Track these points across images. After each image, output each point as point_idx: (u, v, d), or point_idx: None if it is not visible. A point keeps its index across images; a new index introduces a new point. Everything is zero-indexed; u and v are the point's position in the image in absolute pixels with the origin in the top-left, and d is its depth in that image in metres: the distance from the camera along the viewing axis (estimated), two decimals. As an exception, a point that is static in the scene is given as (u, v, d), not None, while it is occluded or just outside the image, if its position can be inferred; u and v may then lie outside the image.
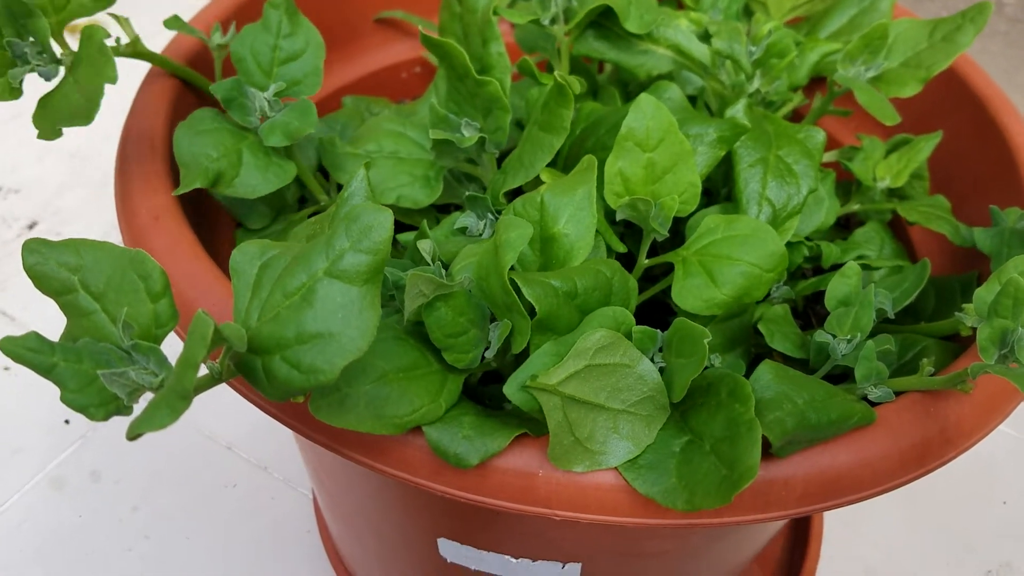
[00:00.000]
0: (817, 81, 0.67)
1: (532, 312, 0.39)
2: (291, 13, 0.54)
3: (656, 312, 0.57)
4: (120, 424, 0.83)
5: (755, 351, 0.54)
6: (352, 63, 0.74)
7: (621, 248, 0.47)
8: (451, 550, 0.55)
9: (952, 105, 0.65)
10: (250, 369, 0.33)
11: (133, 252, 0.35)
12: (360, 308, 0.32)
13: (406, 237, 0.52)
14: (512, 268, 0.44)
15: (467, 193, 0.49)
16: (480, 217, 0.49)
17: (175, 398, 0.29)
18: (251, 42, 0.53)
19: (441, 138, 0.50)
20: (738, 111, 0.50)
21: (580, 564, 0.53)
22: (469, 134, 0.51)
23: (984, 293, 0.42)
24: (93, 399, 0.33)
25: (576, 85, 0.47)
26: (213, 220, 0.58)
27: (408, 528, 0.57)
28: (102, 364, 0.33)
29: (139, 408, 0.33)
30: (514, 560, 0.53)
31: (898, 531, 0.84)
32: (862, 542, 0.84)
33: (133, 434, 0.30)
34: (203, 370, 0.35)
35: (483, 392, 0.47)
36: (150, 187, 0.50)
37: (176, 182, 0.51)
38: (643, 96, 0.45)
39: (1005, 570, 0.83)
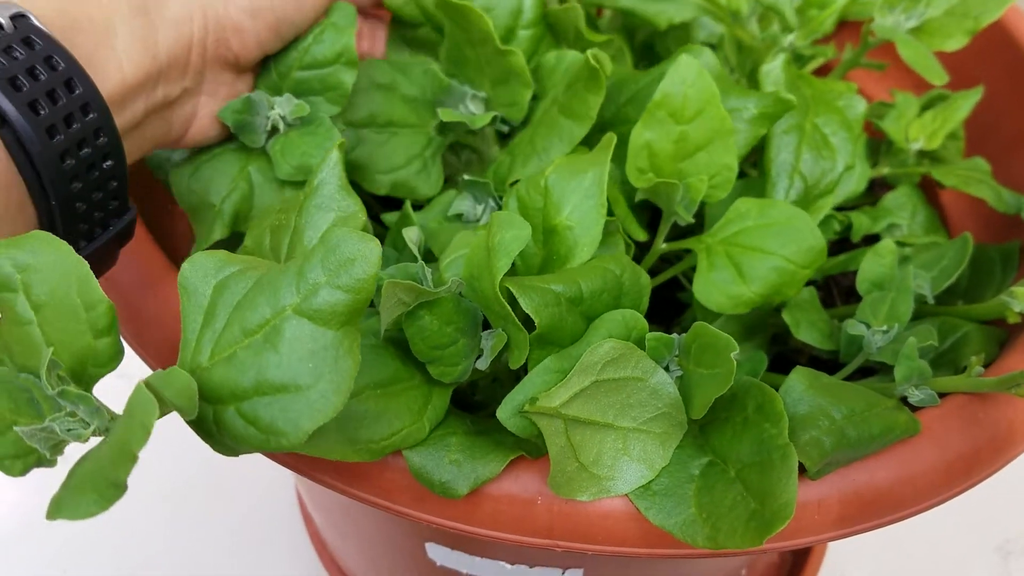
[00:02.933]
0: (844, 25, 0.60)
1: (530, 322, 0.34)
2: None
3: (666, 291, 0.51)
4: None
5: (773, 331, 0.49)
6: None
7: (643, 237, 0.41)
8: (440, 554, 0.50)
9: (989, 55, 0.58)
10: (200, 418, 0.28)
11: (82, 270, 0.28)
12: (336, 356, 0.26)
13: (391, 217, 0.46)
14: (512, 266, 0.38)
15: (464, 178, 0.42)
16: (479, 201, 0.43)
17: (106, 486, 0.23)
18: None
19: (451, 120, 0.43)
20: (775, 69, 0.43)
21: (582, 570, 0.49)
22: (476, 109, 0.44)
23: (1047, 285, 0.37)
24: (8, 449, 0.27)
25: (608, 64, 0.40)
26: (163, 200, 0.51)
27: (392, 530, 0.52)
28: (21, 409, 0.27)
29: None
30: (509, 566, 0.49)
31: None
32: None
33: (52, 517, 0.24)
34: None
35: (475, 399, 0.42)
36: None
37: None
38: (684, 58, 0.39)
39: (1019, 540, 0.79)
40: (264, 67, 0.43)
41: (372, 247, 0.26)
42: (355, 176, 0.45)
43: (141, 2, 0.37)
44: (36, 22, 0.33)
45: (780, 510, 0.31)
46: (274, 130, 0.42)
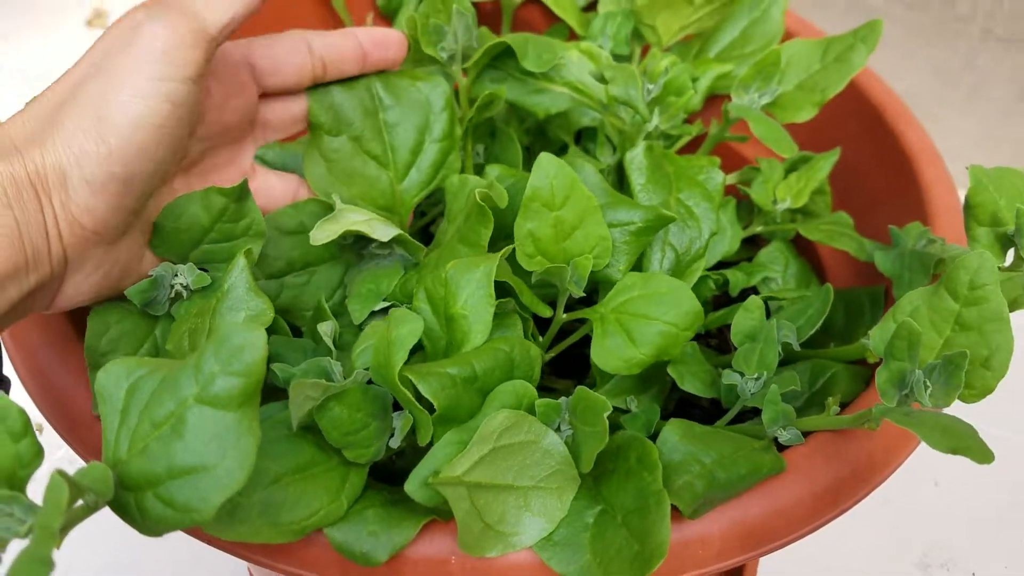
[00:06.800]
0: (713, 99, 0.66)
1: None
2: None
3: (578, 348, 0.56)
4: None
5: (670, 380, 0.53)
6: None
7: (548, 313, 0.46)
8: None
9: (848, 115, 0.65)
10: (123, 504, 0.31)
11: None
12: (236, 436, 0.30)
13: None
14: (420, 348, 0.42)
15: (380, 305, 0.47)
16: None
17: (36, 564, 0.27)
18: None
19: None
20: (637, 155, 0.49)
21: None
22: (383, 235, 0.48)
23: (881, 333, 0.42)
24: (-44, 552, 0.30)
25: (504, 198, 0.45)
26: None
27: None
28: (-37, 516, 0.30)
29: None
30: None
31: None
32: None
33: None
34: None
35: (396, 467, 0.46)
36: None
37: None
38: (543, 156, 0.44)
39: (938, 552, 0.84)
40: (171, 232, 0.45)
41: (258, 335, 0.30)
42: (285, 317, 0.48)
43: (17, 192, 0.37)
44: None
45: (656, 549, 0.36)
46: (177, 296, 0.44)
